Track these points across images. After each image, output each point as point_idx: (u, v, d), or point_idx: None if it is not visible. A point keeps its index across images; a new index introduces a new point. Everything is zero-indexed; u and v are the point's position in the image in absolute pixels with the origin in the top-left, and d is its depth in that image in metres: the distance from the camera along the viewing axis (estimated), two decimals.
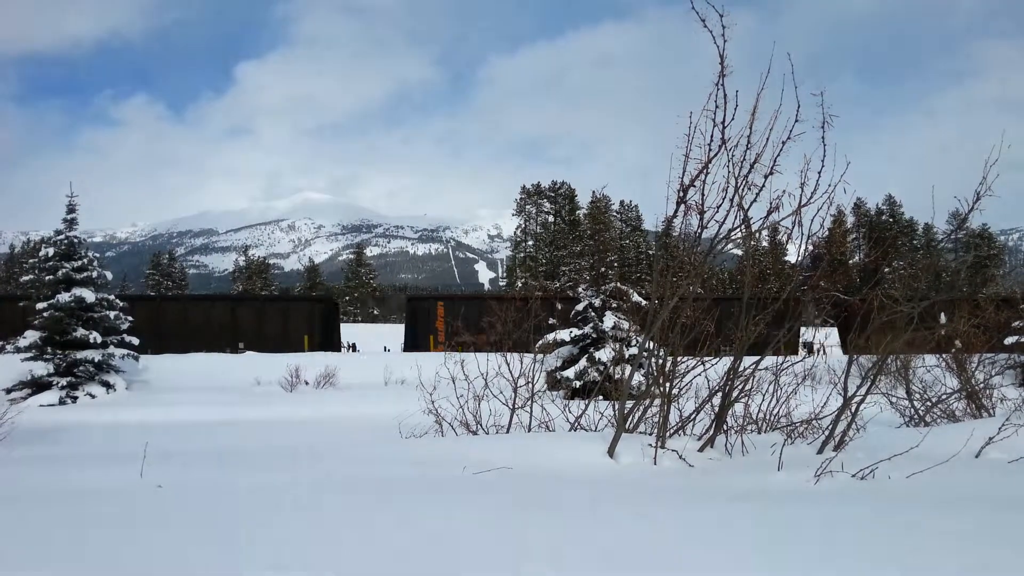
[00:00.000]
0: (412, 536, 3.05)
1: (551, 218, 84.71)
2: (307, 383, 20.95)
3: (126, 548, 2.92)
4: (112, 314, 20.22)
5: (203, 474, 4.84)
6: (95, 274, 20.20)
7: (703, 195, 5.36)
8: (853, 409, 5.83)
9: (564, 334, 19.48)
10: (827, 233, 6.08)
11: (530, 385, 7.61)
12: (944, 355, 9.58)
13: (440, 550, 2.86)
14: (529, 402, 7.45)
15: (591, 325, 19.18)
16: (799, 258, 6.32)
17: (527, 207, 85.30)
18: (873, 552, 2.88)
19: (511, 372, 7.64)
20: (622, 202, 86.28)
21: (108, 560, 2.76)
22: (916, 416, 8.21)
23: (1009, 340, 19.04)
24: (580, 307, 19.71)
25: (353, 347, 32.05)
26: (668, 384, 5.92)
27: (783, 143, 5.15)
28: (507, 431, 7.20)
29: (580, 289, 20.95)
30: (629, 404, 6.03)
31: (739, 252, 7.03)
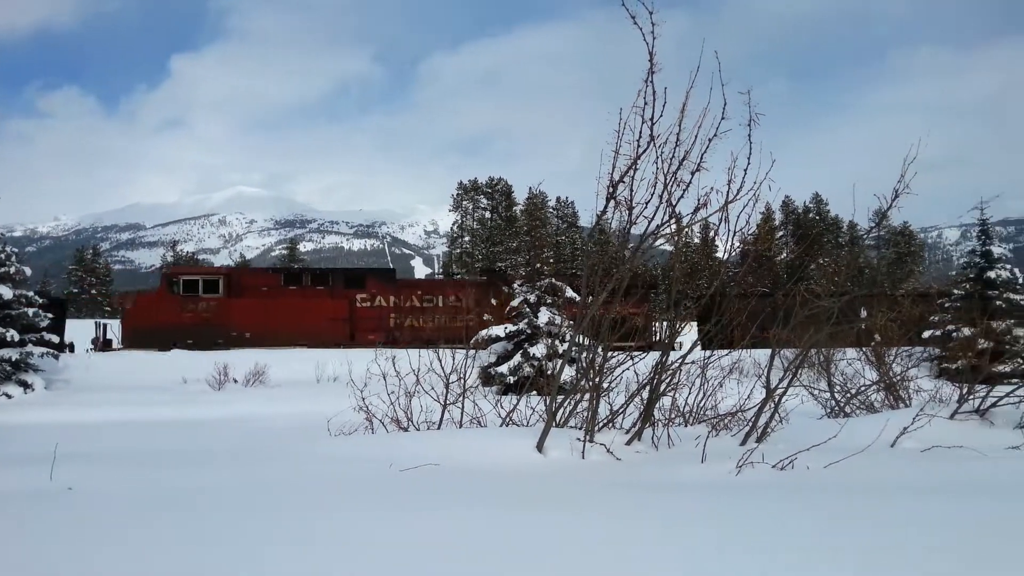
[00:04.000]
0: (325, 536, 3.00)
1: (488, 214, 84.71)
2: (236, 381, 20.53)
3: (28, 553, 2.79)
4: (31, 311, 19.46)
5: (120, 476, 4.67)
6: (13, 269, 19.41)
7: (632, 191, 5.42)
8: (775, 401, 5.97)
9: (499, 330, 19.49)
10: (754, 230, 6.20)
11: (462, 381, 7.58)
12: (864, 348, 9.89)
13: (356, 548, 2.82)
14: (461, 398, 7.43)
15: (526, 321, 19.23)
16: (726, 254, 6.45)
17: (464, 203, 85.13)
18: (787, 539, 2.95)
19: (443, 368, 7.60)
20: (558, 199, 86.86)
21: (9, 565, 2.64)
22: (837, 407, 8.45)
23: (927, 334, 19.81)
24: (515, 303, 19.72)
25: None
26: (597, 378, 5.97)
27: (709, 140, 5.24)
28: (438, 427, 7.16)
29: (515, 285, 20.94)
30: (559, 399, 6.06)
31: (670, 248, 7.12)
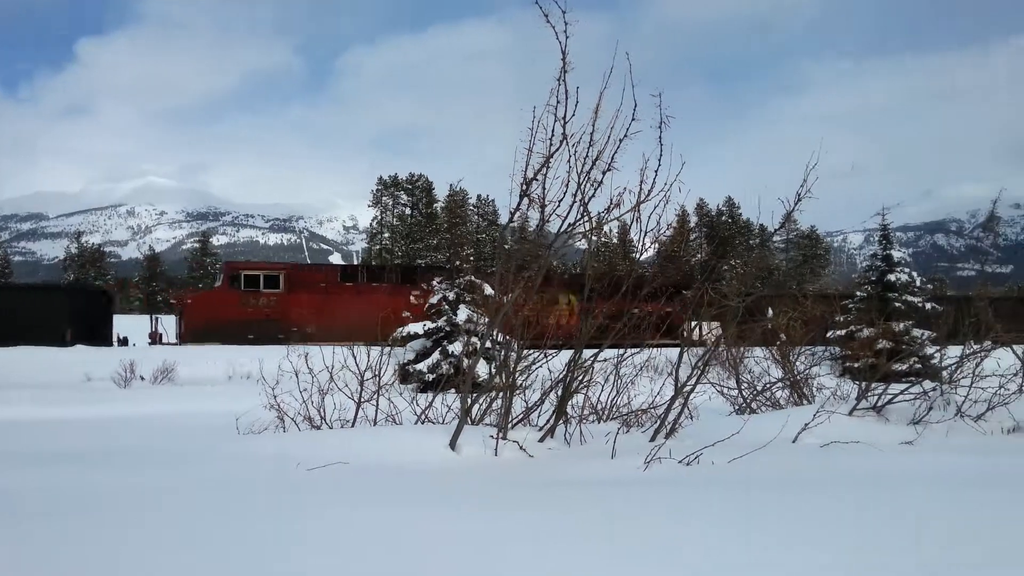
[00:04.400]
0: (214, 540, 2.91)
1: (408, 210, 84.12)
2: (143, 379, 19.83)
3: None
4: None
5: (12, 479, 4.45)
6: None
7: (544, 189, 5.47)
8: (684, 398, 6.11)
9: (417, 327, 19.39)
10: (667, 230, 6.32)
11: (377, 378, 7.49)
12: (770, 347, 10.21)
13: (241, 551, 2.75)
14: (375, 396, 7.34)
15: (445, 318, 19.18)
16: (639, 253, 6.57)
17: (384, 199, 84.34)
18: (686, 531, 3.03)
19: (357, 365, 7.50)
20: (479, 196, 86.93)
21: None
22: (744, 404, 8.69)
23: (831, 334, 20.58)
24: (434, 300, 19.65)
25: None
26: (511, 375, 6.00)
27: (620, 141, 5.34)
28: (352, 425, 7.07)
29: (435, 282, 20.86)
30: (474, 395, 6.06)
31: (585, 246, 7.19)
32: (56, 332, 26.30)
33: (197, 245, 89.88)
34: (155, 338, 29.94)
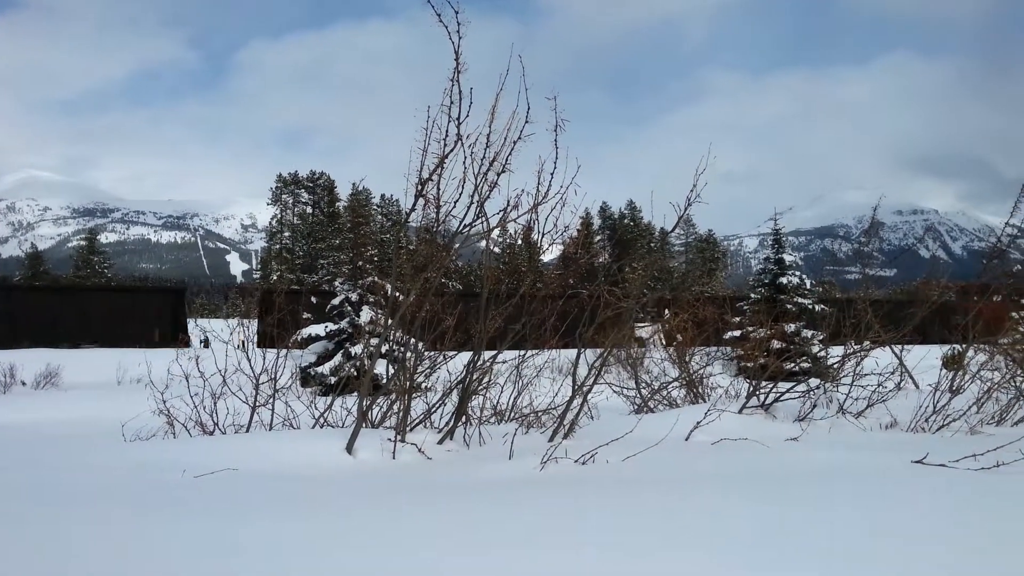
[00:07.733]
0: (75, 554, 2.76)
1: (309, 209, 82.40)
2: (24, 383, 18.73)
3: None
4: None
5: None
6: None
7: (439, 189, 5.46)
8: (583, 397, 6.20)
9: (319, 329, 19.05)
10: (565, 232, 6.38)
11: (272, 382, 7.30)
12: (668, 348, 10.48)
13: (118, 565, 2.62)
14: (272, 399, 7.16)
15: (347, 320, 18.90)
16: (543, 252, 6.63)
17: (284, 197, 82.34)
18: (576, 529, 3.07)
19: (252, 368, 7.29)
20: (383, 196, 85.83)
21: None
22: (643, 403, 8.88)
23: (727, 335, 21.26)
24: (336, 301, 19.36)
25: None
26: (409, 376, 5.96)
27: (514, 143, 5.39)
28: (247, 430, 6.87)
29: (337, 283, 20.54)
30: (371, 398, 5.98)
31: (493, 248, 7.20)
32: None
33: (84, 243, 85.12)
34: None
